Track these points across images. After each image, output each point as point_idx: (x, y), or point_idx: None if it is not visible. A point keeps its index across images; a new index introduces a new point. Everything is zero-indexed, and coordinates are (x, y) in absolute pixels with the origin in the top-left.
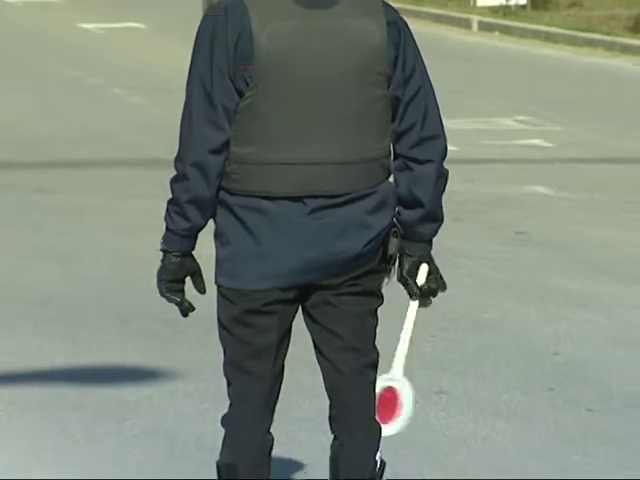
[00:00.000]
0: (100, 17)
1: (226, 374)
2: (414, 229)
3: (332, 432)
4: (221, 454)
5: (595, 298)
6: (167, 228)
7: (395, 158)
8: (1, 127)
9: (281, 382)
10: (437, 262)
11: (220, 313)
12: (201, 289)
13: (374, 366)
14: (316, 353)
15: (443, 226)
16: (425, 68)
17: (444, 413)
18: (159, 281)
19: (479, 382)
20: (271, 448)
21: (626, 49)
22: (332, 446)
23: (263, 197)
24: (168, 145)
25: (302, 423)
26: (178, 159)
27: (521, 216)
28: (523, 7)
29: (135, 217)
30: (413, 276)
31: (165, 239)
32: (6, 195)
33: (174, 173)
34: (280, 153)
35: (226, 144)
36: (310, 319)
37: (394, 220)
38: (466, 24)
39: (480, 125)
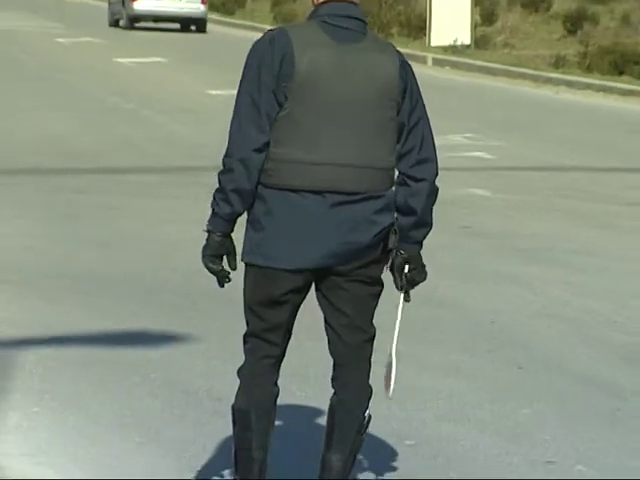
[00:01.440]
0: (131, 53)
1: (245, 337)
2: (408, 233)
3: (333, 388)
4: (236, 399)
5: (524, 278)
6: (213, 212)
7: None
8: (51, 140)
9: (287, 345)
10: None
11: (248, 291)
12: (233, 266)
13: (371, 340)
14: (325, 326)
15: None
16: (424, 103)
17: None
18: (203, 256)
19: (430, 346)
20: (277, 397)
21: (548, 81)
22: (331, 399)
23: (291, 190)
24: (185, 155)
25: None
26: (227, 155)
27: (466, 213)
28: (468, 46)
29: (159, 213)
30: (400, 272)
31: (210, 221)
32: (55, 195)
33: (221, 168)
34: (308, 154)
35: (267, 144)
36: (324, 299)
37: (394, 220)
38: (423, 60)
39: (436, 141)
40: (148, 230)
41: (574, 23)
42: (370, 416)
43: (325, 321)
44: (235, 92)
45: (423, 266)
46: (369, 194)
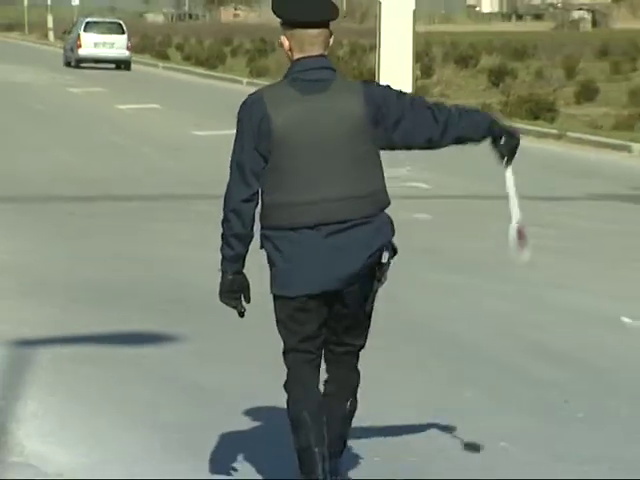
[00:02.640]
0: (130, 100)
1: (284, 353)
2: (491, 133)
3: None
4: (289, 411)
5: (460, 285)
6: (222, 255)
7: (456, 133)
8: (61, 170)
9: (322, 354)
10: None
11: (276, 313)
12: (247, 300)
13: (363, 336)
14: (326, 326)
15: None
16: (410, 95)
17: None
18: (220, 293)
19: (380, 339)
20: (321, 397)
21: None
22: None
23: (288, 229)
24: (176, 185)
25: None
26: (223, 207)
27: (410, 233)
28: None
29: (155, 233)
30: (507, 151)
31: (221, 263)
32: (66, 217)
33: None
34: (296, 197)
35: (254, 194)
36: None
37: (388, 240)
38: None
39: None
40: (146, 248)
41: (497, 77)
42: (355, 402)
43: (326, 326)
44: (216, 133)
45: (510, 134)
46: (358, 220)
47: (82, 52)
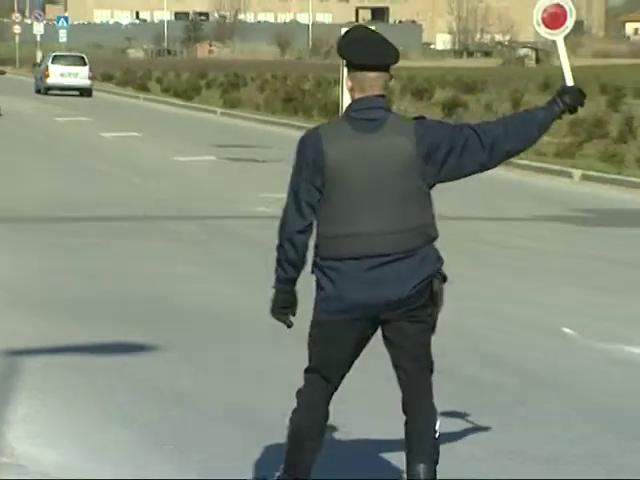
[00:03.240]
0: (113, 129)
1: (306, 370)
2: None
3: (405, 413)
4: (293, 418)
5: None
6: (275, 276)
7: (505, 149)
8: (48, 194)
9: (341, 381)
10: None
11: (311, 332)
12: (293, 314)
13: (429, 368)
14: (392, 361)
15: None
16: (459, 124)
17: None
18: (272, 308)
19: None
20: (327, 420)
21: None
22: (405, 425)
23: (335, 259)
24: (156, 207)
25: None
26: (279, 234)
27: None
28: None
29: (135, 252)
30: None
31: (275, 283)
32: (53, 236)
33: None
34: (344, 229)
35: (309, 226)
36: (386, 339)
37: (435, 269)
38: None
39: None
40: (126, 264)
41: (450, 108)
42: (438, 431)
43: (391, 360)
44: (195, 159)
45: (576, 94)
46: (400, 254)
47: (50, 81)
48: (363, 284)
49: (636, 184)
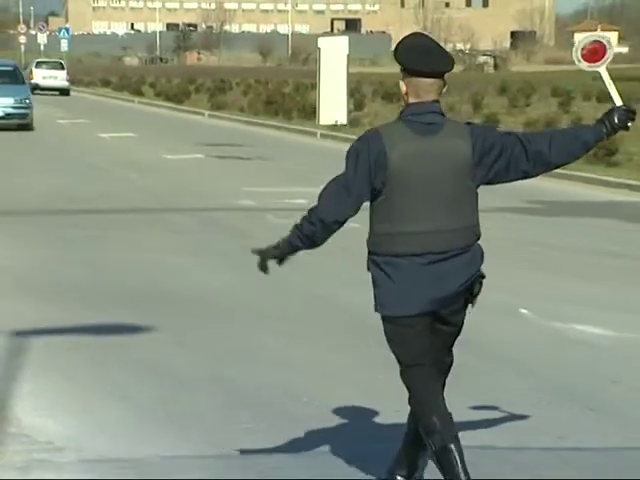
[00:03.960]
0: (110, 130)
1: (402, 372)
2: (600, 125)
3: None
4: (421, 422)
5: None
6: (288, 239)
7: (547, 161)
8: (52, 190)
9: (436, 367)
10: None
11: (387, 334)
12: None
13: (448, 367)
14: None
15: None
16: (508, 132)
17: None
18: (263, 256)
19: (320, 329)
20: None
21: None
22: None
23: (395, 255)
24: (150, 200)
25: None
26: (314, 212)
27: (344, 237)
28: (344, 125)
29: (131, 242)
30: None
31: (281, 243)
32: (57, 228)
33: (307, 214)
34: (405, 227)
35: (346, 220)
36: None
37: (479, 269)
38: (314, 134)
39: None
40: (124, 254)
41: None
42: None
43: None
44: (184, 157)
45: (623, 113)
46: (457, 251)
47: (33, 82)
48: (424, 279)
49: (582, 178)
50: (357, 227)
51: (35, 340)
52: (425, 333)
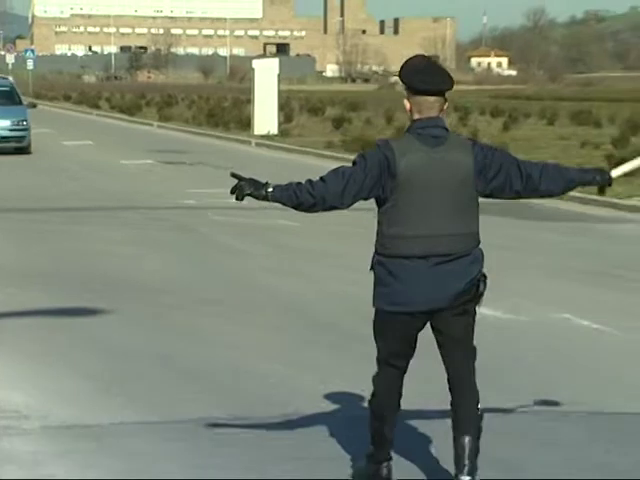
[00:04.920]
0: (72, 138)
1: (378, 361)
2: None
3: (451, 394)
4: (372, 401)
5: (314, 273)
6: (277, 194)
7: (536, 189)
8: (21, 190)
9: (408, 365)
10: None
11: (376, 323)
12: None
13: (473, 354)
14: (438, 347)
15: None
16: (503, 151)
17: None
18: (245, 191)
19: (260, 315)
20: (400, 398)
21: (323, 156)
22: (451, 404)
23: (402, 257)
24: (107, 199)
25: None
26: (320, 189)
27: (278, 234)
28: (276, 135)
29: (91, 235)
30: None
31: (274, 189)
32: (26, 224)
33: (311, 187)
34: (412, 231)
35: (339, 209)
36: (435, 329)
37: (481, 269)
38: (249, 143)
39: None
40: (83, 245)
41: (338, 122)
42: (482, 412)
43: (438, 346)
44: (136, 162)
45: (607, 181)
46: (459, 254)
47: None
48: (428, 280)
49: None
50: (296, 225)
51: (2, 320)
52: (411, 334)
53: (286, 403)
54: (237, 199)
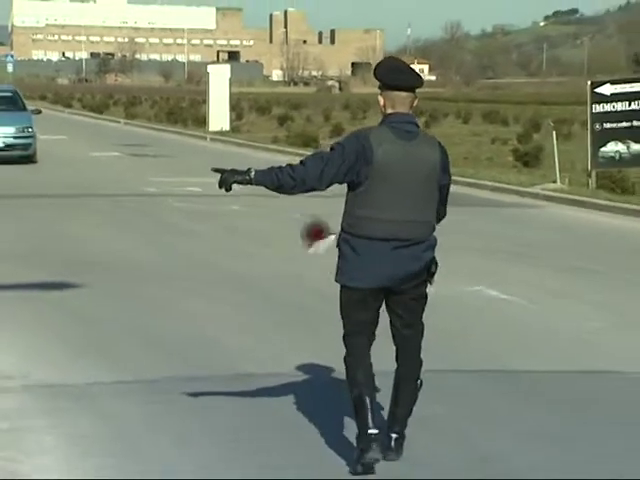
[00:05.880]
0: (47, 133)
1: (344, 336)
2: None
3: (396, 363)
4: (348, 375)
5: (242, 252)
6: (259, 178)
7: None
8: (6, 180)
9: (373, 338)
10: None
11: (341, 300)
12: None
13: (420, 332)
14: (390, 326)
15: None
16: (450, 175)
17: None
18: (234, 179)
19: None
20: (371, 367)
21: (268, 149)
22: (395, 371)
23: (367, 238)
24: (78, 188)
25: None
26: (299, 172)
27: (232, 217)
28: (228, 131)
29: (63, 219)
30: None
31: (256, 173)
32: (7, 208)
33: (291, 170)
34: (379, 215)
35: (318, 190)
36: (389, 307)
37: (434, 255)
38: (204, 138)
39: (207, 179)
40: (58, 227)
41: (282, 120)
42: (422, 380)
43: (390, 322)
44: (105, 154)
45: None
46: (417, 240)
47: None
48: (386, 261)
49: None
50: (241, 210)
51: None
52: (372, 307)
53: (243, 367)
54: (226, 190)
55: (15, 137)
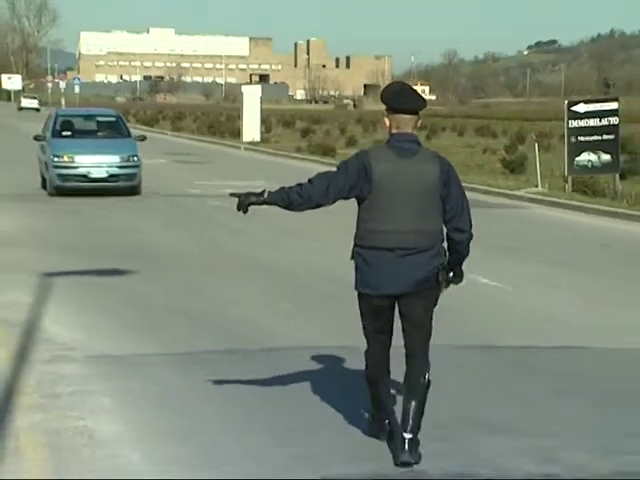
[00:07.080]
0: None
1: (366, 336)
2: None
3: (406, 364)
4: (367, 373)
5: (270, 244)
6: (271, 199)
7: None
8: (21, 181)
9: (391, 339)
10: None
11: (360, 308)
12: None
13: (428, 333)
14: (402, 328)
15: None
16: (462, 188)
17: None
18: (249, 202)
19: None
20: (389, 367)
21: (294, 157)
22: (405, 373)
23: (374, 248)
24: (145, 187)
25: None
26: (307, 190)
27: (268, 215)
28: (259, 142)
29: (121, 218)
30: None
31: (269, 194)
32: (55, 206)
33: (299, 189)
34: (382, 227)
35: (323, 206)
36: (400, 312)
37: (442, 262)
38: (239, 147)
39: (242, 182)
40: (116, 223)
41: (305, 133)
42: (430, 379)
43: (402, 327)
44: (157, 161)
45: (462, 273)
46: (422, 248)
47: (21, 105)
48: (394, 269)
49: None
50: (274, 209)
51: (50, 279)
52: (386, 314)
53: (270, 342)
54: (243, 212)
55: (120, 167)
